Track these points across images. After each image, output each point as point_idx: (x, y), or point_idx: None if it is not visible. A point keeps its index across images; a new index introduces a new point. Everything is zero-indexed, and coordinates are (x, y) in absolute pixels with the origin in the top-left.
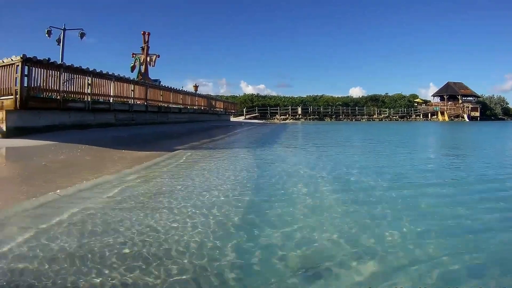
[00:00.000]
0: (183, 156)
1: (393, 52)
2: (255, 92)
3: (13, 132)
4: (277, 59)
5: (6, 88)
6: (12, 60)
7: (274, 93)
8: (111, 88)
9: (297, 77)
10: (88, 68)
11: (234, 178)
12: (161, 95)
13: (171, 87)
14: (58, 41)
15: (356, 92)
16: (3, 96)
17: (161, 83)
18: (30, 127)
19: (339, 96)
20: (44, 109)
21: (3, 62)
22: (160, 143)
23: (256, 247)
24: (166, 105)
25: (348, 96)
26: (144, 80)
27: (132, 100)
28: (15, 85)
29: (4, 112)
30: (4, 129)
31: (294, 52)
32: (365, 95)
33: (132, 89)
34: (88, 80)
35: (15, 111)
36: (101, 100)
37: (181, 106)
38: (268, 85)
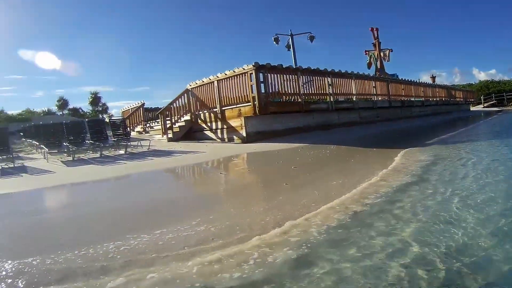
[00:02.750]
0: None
1: None
2: (488, 79)
3: (252, 137)
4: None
5: (242, 96)
6: (244, 69)
7: (506, 78)
8: (352, 86)
9: None
10: (326, 69)
11: None
12: (402, 89)
13: (410, 80)
14: (288, 47)
15: None
16: (241, 103)
17: (398, 78)
18: (270, 131)
19: None
20: (283, 112)
21: (234, 72)
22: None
23: None
24: (408, 99)
25: None
26: (382, 76)
27: (375, 96)
28: (252, 92)
29: (242, 118)
30: (244, 134)
31: None
32: None
33: (374, 85)
34: (328, 80)
35: (253, 117)
36: (342, 99)
37: (423, 99)
38: (499, 70)
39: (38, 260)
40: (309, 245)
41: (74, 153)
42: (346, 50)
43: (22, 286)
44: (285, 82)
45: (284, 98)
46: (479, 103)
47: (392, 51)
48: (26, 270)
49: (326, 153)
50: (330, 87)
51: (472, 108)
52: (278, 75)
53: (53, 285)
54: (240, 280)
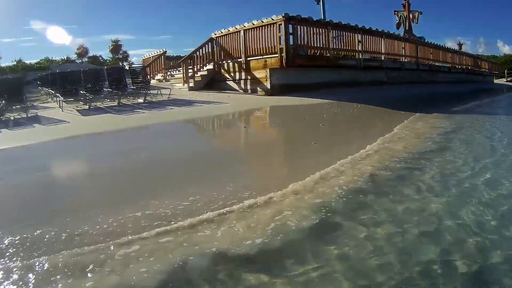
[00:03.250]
0: None
1: None
2: (511, 52)
3: (277, 90)
4: None
5: (269, 47)
6: (273, 19)
7: None
8: (382, 45)
9: None
10: (357, 25)
11: None
12: (431, 53)
13: (439, 44)
14: (318, 0)
15: None
16: (267, 55)
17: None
18: (296, 84)
19: None
20: (311, 66)
21: (262, 22)
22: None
23: None
24: (435, 64)
25: None
26: (411, 38)
27: (404, 58)
28: (280, 44)
29: (268, 70)
30: (269, 86)
31: None
32: None
33: (403, 46)
34: (358, 37)
35: (279, 69)
36: (370, 57)
37: (450, 65)
38: None
39: None
40: None
41: (91, 102)
42: (375, 8)
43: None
44: (314, 36)
45: (312, 51)
46: (502, 77)
47: (421, 13)
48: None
49: (354, 112)
50: (359, 44)
51: (495, 81)
52: (308, 27)
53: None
54: None
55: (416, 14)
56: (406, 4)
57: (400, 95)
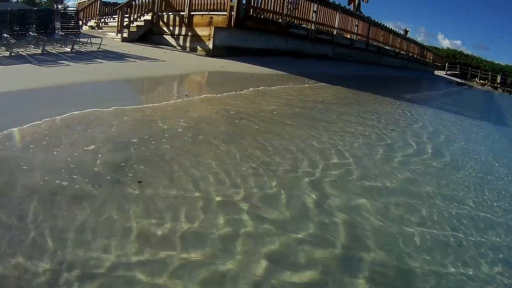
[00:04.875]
0: None
1: None
2: (450, 47)
3: (219, 51)
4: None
5: (218, 2)
6: None
7: (469, 52)
8: (336, 20)
9: (498, 40)
10: None
11: None
12: (382, 36)
13: (390, 28)
14: None
15: None
16: (214, 11)
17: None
18: (241, 48)
19: None
20: (260, 30)
21: None
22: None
23: None
24: (383, 47)
25: None
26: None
27: (355, 36)
28: (231, 1)
29: (212, 28)
30: (211, 46)
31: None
32: None
33: (356, 24)
34: (314, 7)
35: (226, 29)
36: (321, 30)
37: (397, 50)
38: (465, 43)
39: None
40: None
41: (13, 48)
42: None
43: None
44: None
45: (264, 14)
46: (443, 69)
47: None
48: None
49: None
50: (314, 14)
51: (436, 72)
52: None
53: None
54: None
55: None
56: None
57: (351, 74)
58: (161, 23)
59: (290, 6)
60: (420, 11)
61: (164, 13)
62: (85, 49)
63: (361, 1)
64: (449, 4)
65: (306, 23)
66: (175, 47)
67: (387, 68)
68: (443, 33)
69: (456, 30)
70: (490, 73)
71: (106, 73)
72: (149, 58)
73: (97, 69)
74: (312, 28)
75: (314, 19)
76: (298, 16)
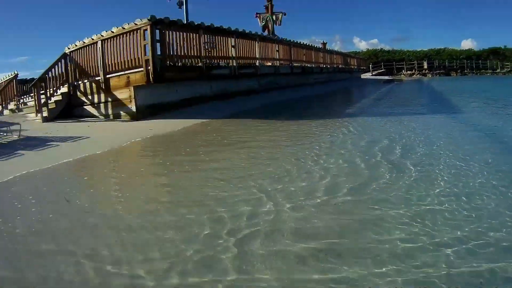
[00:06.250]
0: None
1: None
2: (370, 48)
3: (144, 112)
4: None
5: (133, 59)
6: (136, 24)
7: (389, 48)
8: (256, 49)
9: (414, 29)
10: (230, 27)
11: None
12: (304, 54)
13: (312, 45)
14: (180, 3)
15: (467, 44)
16: (130, 69)
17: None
18: (165, 103)
19: (461, 49)
20: (181, 79)
21: (124, 28)
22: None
23: None
24: (308, 66)
25: (471, 49)
26: None
27: (278, 62)
28: (145, 55)
29: (131, 89)
30: (134, 109)
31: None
32: (481, 49)
33: (277, 49)
34: (232, 41)
35: (146, 86)
36: (244, 64)
37: (322, 66)
38: (382, 40)
39: None
40: None
41: None
42: (231, 13)
43: None
44: (185, 43)
45: (182, 61)
46: (368, 71)
47: (285, 14)
48: None
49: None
50: (233, 48)
51: (362, 76)
52: (177, 32)
53: None
54: None
55: (280, 16)
56: (269, 6)
57: (275, 102)
58: (78, 93)
59: (207, 46)
60: (330, 21)
61: (80, 82)
62: (5, 139)
63: (274, 25)
64: (356, 7)
65: (227, 61)
66: (98, 116)
67: (315, 85)
68: (358, 36)
69: (369, 30)
70: (415, 62)
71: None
72: (72, 137)
73: (17, 164)
74: (234, 64)
75: (234, 55)
76: (218, 55)
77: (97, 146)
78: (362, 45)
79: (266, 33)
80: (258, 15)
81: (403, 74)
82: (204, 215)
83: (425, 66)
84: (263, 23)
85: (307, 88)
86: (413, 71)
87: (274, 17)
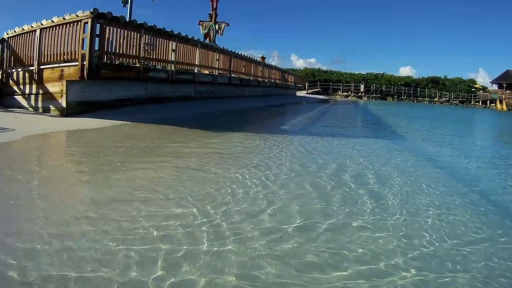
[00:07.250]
0: None
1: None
2: (307, 66)
3: (75, 109)
4: (329, 33)
5: (69, 52)
6: (78, 16)
7: (326, 68)
8: (196, 56)
9: (351, 53)
10: (172, 31)
11: None
12: (243, 66)
13: (252, 57)
14: (125, 2)
15: (406, 71)
16: (65, 62)
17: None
18: (98, 101)
19: (399, 75)
20: (117, 79)
21: (65, 19)
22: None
23: None
24: (247, 78)
25: (409, 77)
26: None
27: (217, 71)
28: (82, 49)
29: (64, 83)
30: (64, 104)
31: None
32: (420, 77)
33: (217, 58)
34: (173, 45)
35: (79, 81)
36: (181, 69)
37: (260, 79)
38: (320, 59)
39: None
40: None
41: None
42: (178, 19)
43: None
44: (124, 41)
45: (120, 60)
46: (303, 89)
47: (228, 25)
48: None
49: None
50: (173, 53)
51: (297, 93)
52: (118, 29)
53: None
54: None
55: (223, 26)
56: (214, 14)
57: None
58: (11, 81)
59: (148, 48)
60: (269, 37)
61: (14, 70)
62: None
63: (216, 34)
64: (297, 27)
65: (165, 64)
66: (27, 108)
67: (251, 98)
68: (296, 54)
69: (308, 48)
70: (352, 84)
71: None
72: None
73: None
74: (172, 69)
75: (173, 59)
76: (157, 57)
77: (16, 143)
78: (299, 63)
79: (207, 41)
80: (201, 22)
81: (339, 95)
82: None
83: (362, 89)
84: (205, 31)
85: (244, 100)
86: (349, 93)
87: (217, 26)
